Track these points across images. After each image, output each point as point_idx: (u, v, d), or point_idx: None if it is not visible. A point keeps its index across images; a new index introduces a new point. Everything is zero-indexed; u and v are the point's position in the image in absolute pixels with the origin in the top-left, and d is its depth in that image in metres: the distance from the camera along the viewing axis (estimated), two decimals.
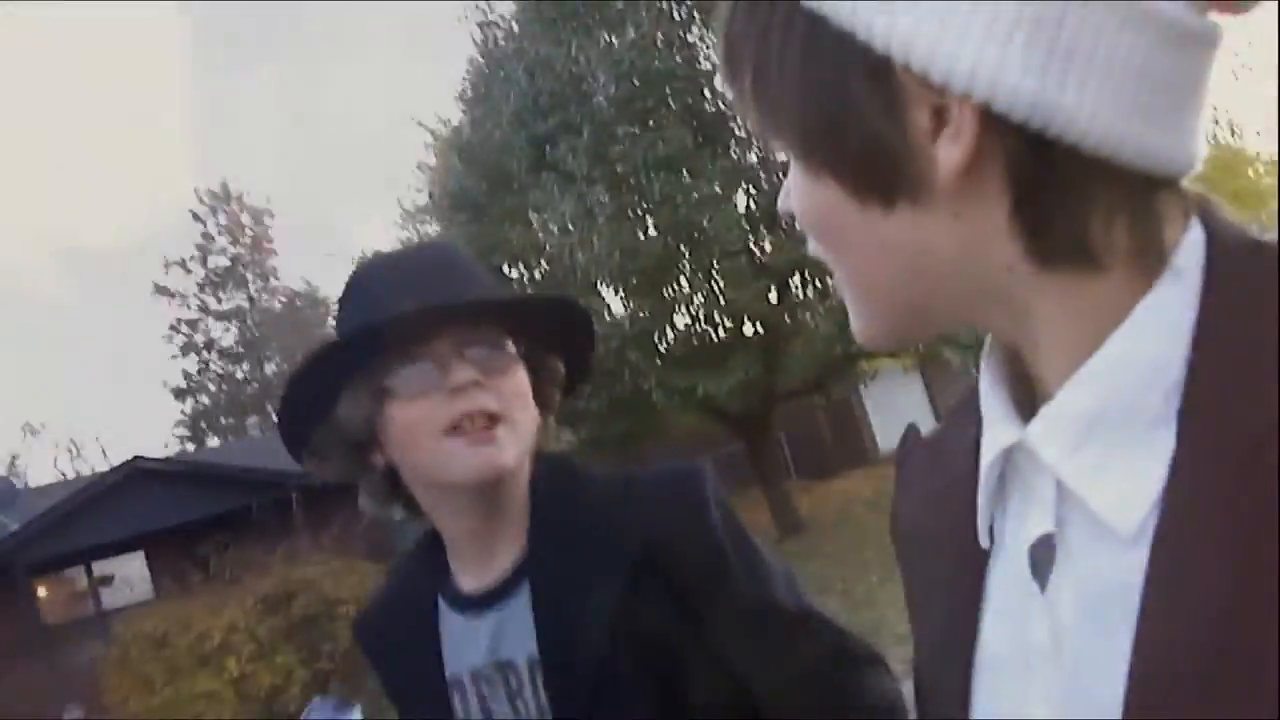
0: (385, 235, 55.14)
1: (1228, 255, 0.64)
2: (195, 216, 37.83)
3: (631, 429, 16.71)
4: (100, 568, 21.05)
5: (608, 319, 15.64)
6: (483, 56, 17.95)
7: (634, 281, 15.20)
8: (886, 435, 22.82)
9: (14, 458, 38.94)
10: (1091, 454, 0.64)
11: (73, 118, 71.01)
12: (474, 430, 1.32)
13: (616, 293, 16.05)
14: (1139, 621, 0.60)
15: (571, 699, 1.31)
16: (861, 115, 0.64)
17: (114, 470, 20.41)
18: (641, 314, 15.58)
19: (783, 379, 16.49)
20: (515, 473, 1.36)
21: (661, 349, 15.52)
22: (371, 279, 1.41)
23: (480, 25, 18.44)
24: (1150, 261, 0.64)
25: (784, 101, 0.68)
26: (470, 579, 1.42)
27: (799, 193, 0.71)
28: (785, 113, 0.68)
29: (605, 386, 15.47)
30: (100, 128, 72.60)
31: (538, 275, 17.15)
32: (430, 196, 25.19)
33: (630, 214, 15.00)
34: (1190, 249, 0.64)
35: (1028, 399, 0.70)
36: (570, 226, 14.91)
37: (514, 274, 17.65)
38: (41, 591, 20.45)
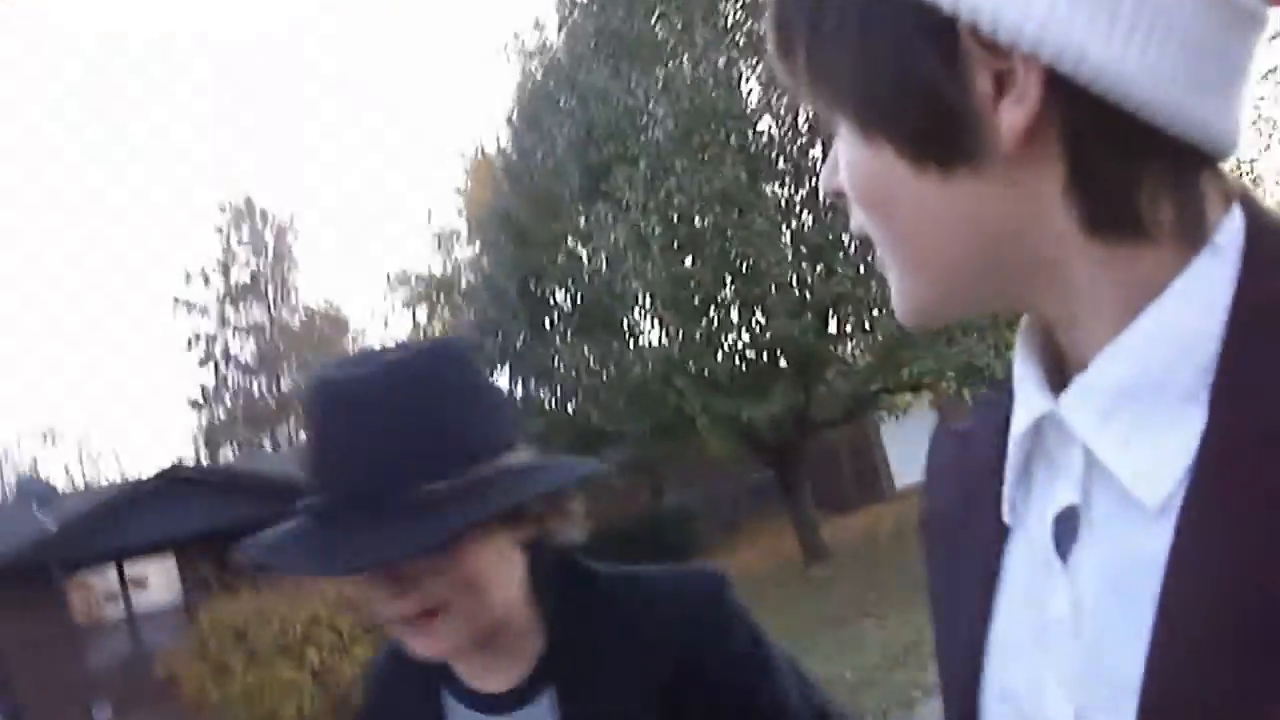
0: (416, 256, 55.40)
1: (1267, 237, 0.64)
2: (218, 229, 38.29)
3: (670, 453, 17.11)
4: (132, 570, 21.42)
5: (653, 345, 16.15)
6: (531, 85, 18.48)
7: (682, 309, 15.65)
8: (903, 473, 23.15)
9: (34, 461, 39.11)
10: (1122, 425, 0.64)
11: (101, 127, 71.39)
12: (419, 619, 1.26)
13: (660, 320, 16.48)
14: (1161, 595, 0.60)
15: None
16: (924, 79, 0.64)
17: (153, 477, 20.75)
18: (688, 341, 16.04)
19: (818, 409, 16.93)
20: (491, 623, 1.30)
21: (705, 376, 15.92)
22: (306, 471, 1.28)
23: (527, 55, 19.02)
24: (1192, 238, 0.64)
25: (842, 69, 0.68)
26: (481, 677, 1.38)
27: (852, 163, 0.70)
28: (843, 80, 0.68)
29: (649, 410, 15.94)
30: (127, 136, 72.93)
31: (580, 300, 17.58)
32: (464, 218, 25.57)
33: (681, 244, 15.50)
34: (1231, 229, 0.64)
35: (1060, 375, 0.70)
36: (623, 253, 15.35)
37: (556, 298, 18.12)
38: (74, 591, 20.73)
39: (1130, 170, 0.63)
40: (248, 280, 37.85)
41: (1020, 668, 0.72)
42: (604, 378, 16.87)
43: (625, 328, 17.12)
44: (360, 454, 1.22)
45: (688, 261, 15.51)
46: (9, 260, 68.11)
